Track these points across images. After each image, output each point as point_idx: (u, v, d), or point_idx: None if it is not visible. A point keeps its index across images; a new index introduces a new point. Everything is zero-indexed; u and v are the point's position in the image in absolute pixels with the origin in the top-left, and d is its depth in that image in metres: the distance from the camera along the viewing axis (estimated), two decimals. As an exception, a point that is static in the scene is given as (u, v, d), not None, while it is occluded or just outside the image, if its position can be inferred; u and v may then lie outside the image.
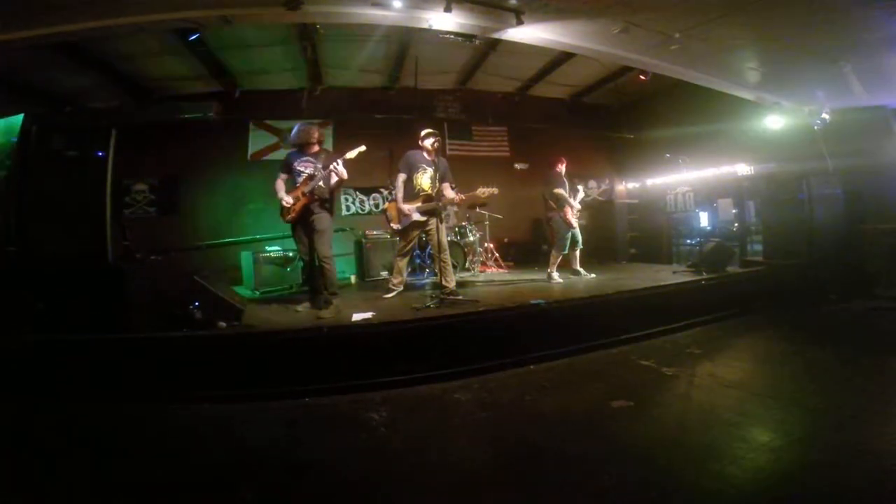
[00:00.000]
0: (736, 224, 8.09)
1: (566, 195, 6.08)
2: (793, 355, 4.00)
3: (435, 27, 5.05)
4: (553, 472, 2.22)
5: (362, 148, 4.49)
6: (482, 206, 7.78)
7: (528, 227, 9.37)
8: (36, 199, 4.42)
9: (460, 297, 4.68)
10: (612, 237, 9.27)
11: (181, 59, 6.59)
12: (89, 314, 3.75)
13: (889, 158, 6.19)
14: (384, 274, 6.74)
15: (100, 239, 4.68)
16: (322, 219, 4.46)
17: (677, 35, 5.25)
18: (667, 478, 2.11)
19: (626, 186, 10.29)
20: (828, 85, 6.13)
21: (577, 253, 6.36)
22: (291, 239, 4.79)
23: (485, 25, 5.14)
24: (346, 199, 8.53)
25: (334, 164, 4.35)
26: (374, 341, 3.66)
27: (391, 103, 8.46)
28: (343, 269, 6.85)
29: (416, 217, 5.00)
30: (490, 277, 6.97)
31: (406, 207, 5.00)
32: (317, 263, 4.57)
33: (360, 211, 8.63)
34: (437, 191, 4.99)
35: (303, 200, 4.41)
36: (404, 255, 5.32)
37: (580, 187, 6.54)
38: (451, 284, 4.85)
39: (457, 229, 7.42)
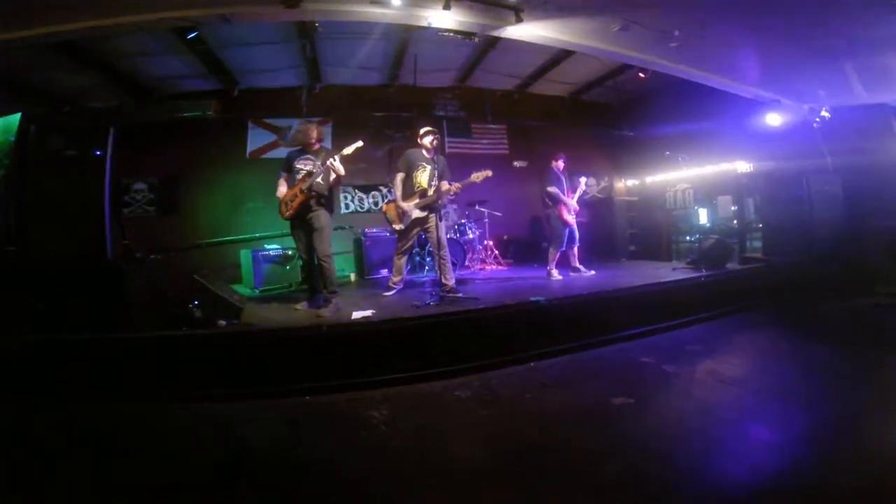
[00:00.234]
0: (735, 221, 8.10)
1: (560, 193, 6.08)
2: (793, 352, 4.00)
3: (434, 25, 5.03)
4: (553, 470, 2.22)
5: (359, 144, 4.47)
6: (481, 203, 7.79)
7: (528, 225, 9.36)
8: (35, 199, 4.42)
9: (460, 295, 4.68)
10: (611, 234, 9.25)
11: (180, 58, 6.58)
12: (89, 314, 3.75)
13: (889, 157, 6.18)
14: (384, 272, 6.75)
15: (99, 238, 4.69)
16: (320, 216, 4.45)
17: (677, 33, 5.24)
18: (668, 475, 2.12)
19: (625, 184, 10.28)
20: (828, 83, 6.12)
21: (575, 250, 6.36)
22: (291, 237, 4.78)
23: (484, 23, 5.12)
24: (346, 197, 8.52)
25: (331, 160, 4.35)
26: (373, 339, 3.66)
27: (390, 101, 8.44)
28: (342, 266, 6.85)
29: (416, 214, 5.01)
30: (490, 275, 6.98)
31: (405, 205, 5.00)
32: (316, 262, 4.57)
33: (359, 209, 8.63)
34: (436, 188, 4.99)
35: (300, 198, 4.39)
36: (403, 254, 5.32)
37: (583, 180, 6.52)
38: (451, 282, 4.85)
39: (456, 227, 7.42)
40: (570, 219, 6.12)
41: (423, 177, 5.05)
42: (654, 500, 1.95)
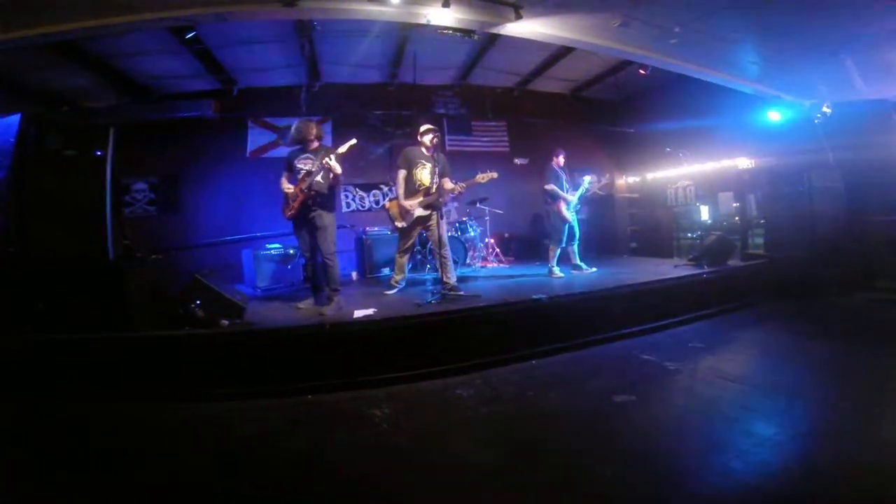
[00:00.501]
0: (737, 217, 8.08)
1: (558, 189, 6.06)
2: (795, 348, 4.00)
3: (433, 23, 5.02)
4: (555, 468, 2.22)
5: (353, 142, 4.47)
6: (482, 201, 7.78)
7: (529, 222, 9.34)
8: (35, 199, 4.41)
9: (462, 293, 4.67)
10: (612, 231, 9.26)
11: (179, 58, 6.56)
12: (90, 313, 3.74)
13: (891, 152, 6.16)
14: (386, 271, 6.74)
15: (100, 238, 4.67)
16: (323, 216, 4.45)
17: (677, 29, 5.22)
18: (670, 472, 2.11)
19: (626, 181, 10.26)
20: (829, 78, 6.10)
21: (575, 247, 6.35)
22: (292, 236, 4.78)
23: (483, 20, 5.11)
24: (347, 196, 8.51)
25: (327, 158, 4.34)
26: (375, 338, 3.65)
27: (390, 99, 8.42)
28: (343, 265, 6.84)
29: (419, 212, 5.00)
30: (491, 272, 6.97)
31: (407, 204, 4.99)
32: (320, 260, 4.57)
33: (360, 207, 8.61)
34: (438, 186, 4.98)
35: (301, 197, 4.40)
36: (405, 252, 5.32)
37: (587, 177, 6.50)
38: (452, 280, 4.84)
39: (457, 225, 7.42)
40: (570, 215, 6.10)
41: (424, 174, 5.04)
42: (656, 497, 1.94)
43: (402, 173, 5.07)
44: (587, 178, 6.48)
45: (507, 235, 8.84)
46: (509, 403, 3.08)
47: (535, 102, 9.37)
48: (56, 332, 3.66)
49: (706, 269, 5.71)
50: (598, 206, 9.02)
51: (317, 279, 4.73)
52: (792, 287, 5.78)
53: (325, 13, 4.91)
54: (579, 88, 9.37)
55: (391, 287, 5.27)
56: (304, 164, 4.49)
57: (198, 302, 3.92)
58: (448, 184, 5.03)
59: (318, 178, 4.37)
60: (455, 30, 5.31)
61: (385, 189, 8.51)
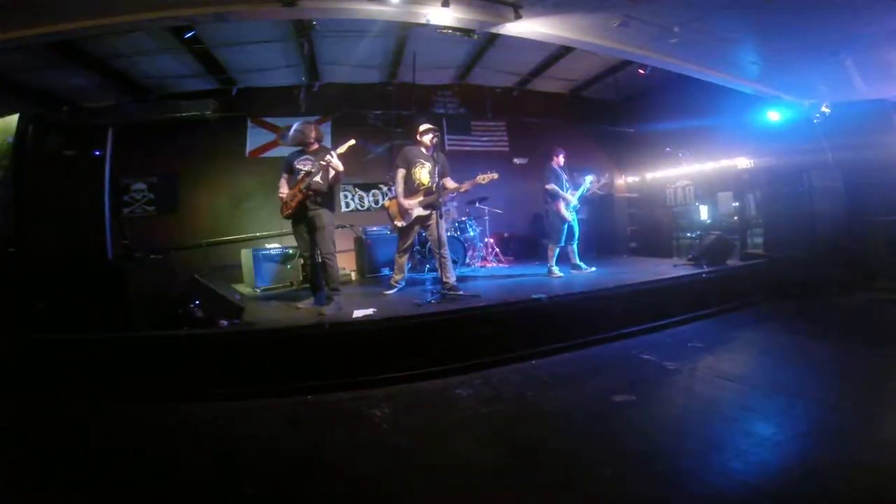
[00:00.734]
0: (736, 217, 8.08)
1: (558, 189, 6.06)
2: (794, 348, 4.00)
3: (433, 22, 5.01)
4: (555, 468, 2.22)
5: (352, 142, 4.49)
6: (482, 200, 7.77)
7: (528, 222, 9.35)
8: (34, 199, 4.41)
9: (461, 293, 4.67)
10: (612, 231, 9.26)
11: (178, 57, 6.56)
12: (89, 313, 3.74)
13: (890, 152, 6.17)
14: (385, 271, 6.74)
15: (99, 238, 4.68)
16: (322, 215, 4.45)
17: (676, 29, 5.22)
18: (669, 472, 2.11)
19: (626, 180, 10.27)
20: (828, 78, 6.10)
21: (575, 246, 6.35)
22: (291, 236, 4.78)
23: (483, 20, 5.10)
24: (346, 196, 8.51)
25: (328, 156, 4.34)
26: (375, 338, 3.65)
27: (389, 99, 8.42)
28: (343, 265, 6.85)
29: (418, 212, 5.00)
30: (490, 272, 6.96)
31: (407, 203, 4.99)
32: (319, 260, 4.57)
33: (359, 207, 8.61)
34: (438, 185, 4.98)
35: (299, 197, 4.39)
36: (405, 252, 5.31)
37: (587, 177, 6.49)
38: (452, 280, 4.84)
39: (457, 224, 7.41)
40: (569, 215, 6.10)
41: (423, 174, 5.03)
42: (655, 497, 1.94)
43: (401, 172, 5.06)
44: (588, 178, 6.47)
45: (506, 235, 8.85)
46: (509, 403, 3.08)
47: (534, 102, 9.39)
48: (56, 332, 3.66)
49: (705, 269, 5.70)
50: (598, 206, 9.02)
51: (316, 279, 4.73)
52: (791, 287, 5.78)
53: (325, 12, 4.90)
54: (579, 88, 9.38)
55: (391, 287, 5.27)
56: (303, 166, 4.48)
57: (197, 302, 3.92)
58: (451, 183, 5.03)
59: (318, 178, 4.37)
60: (455, 29, 5.31)
61: (384, 189, 8.51)
